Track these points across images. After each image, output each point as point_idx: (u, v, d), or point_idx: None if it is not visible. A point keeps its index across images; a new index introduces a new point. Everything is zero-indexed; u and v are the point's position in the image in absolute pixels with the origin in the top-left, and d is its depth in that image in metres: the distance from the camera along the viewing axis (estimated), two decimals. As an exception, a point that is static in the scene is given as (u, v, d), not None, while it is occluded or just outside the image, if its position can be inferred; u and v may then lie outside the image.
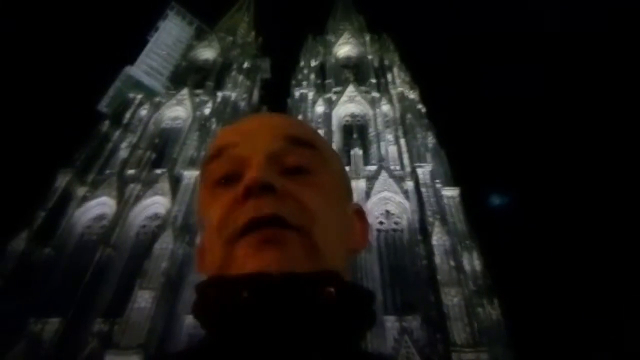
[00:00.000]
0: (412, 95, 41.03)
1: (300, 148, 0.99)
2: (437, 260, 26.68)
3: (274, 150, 0.97)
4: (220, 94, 42.42)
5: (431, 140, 36.71)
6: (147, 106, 41.87)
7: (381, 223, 30.94)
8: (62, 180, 33.10)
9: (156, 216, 32.72)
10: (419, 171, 32.12)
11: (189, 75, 45.96)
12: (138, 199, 33.15)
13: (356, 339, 0.91)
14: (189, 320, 26.02)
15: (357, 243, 1.08)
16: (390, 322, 25.43)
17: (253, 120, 1.09)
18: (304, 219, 0.91)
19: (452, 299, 24.88)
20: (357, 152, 33.99)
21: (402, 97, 39.83)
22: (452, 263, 26.62)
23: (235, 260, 0.89)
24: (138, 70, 43.08)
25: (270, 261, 0.86)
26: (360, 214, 1.13)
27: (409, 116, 37.25)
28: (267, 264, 0.85)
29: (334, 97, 40.86)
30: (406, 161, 34.21)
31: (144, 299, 25.61)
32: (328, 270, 0.88)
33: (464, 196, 32.62)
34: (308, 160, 0.99)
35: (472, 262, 28.44)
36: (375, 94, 41.12)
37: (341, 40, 50.16)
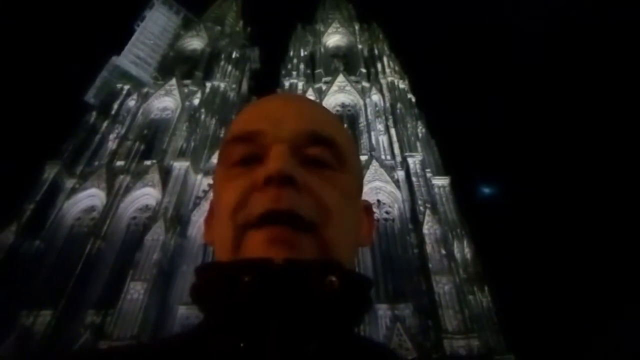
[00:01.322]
0: (402, 84, 41.03)
1: (322, 145, 1.00)
2: (428, 248, 26.89)
3: (297, 141, 0.98)
4: (208, 84, 42.10)
5: (421, 130, 36.83)
6: (134, 96, 41.33)
7: (372, 212, 31.03)
8: (50, 172, 32.68)
9: (146, 207, 32.52)
10: (410, 160, 32.25)
11: (176, 65, 45.46)
12: (128, 190, 32.88)
13: (353, 324, 0.93)
14: (182, 310, 26.06)
15: (363, 238, 1.10)
16: (382, 310, 25.64)
17: (279, 103, 1.09)
18: (319, 215, 0.93)
19: (443, 286, 25.12)
20: (348, 141, 33.98)
21: (392, 87, 39.85)
22: (443, 251, 26.85)
23: (245, 249, 0.91)
24: (125, 60, 42.55)
25: (279, 254, 0.87)
26: (368, 210, 1.15)
27: (399, 105, 37.31)
28: (275, 255, 0.86)
29: (324, 87, 40.75)
30: (396, 150, 34.29)
31: (135, 290, 25.52)
32: (329, 258, 0.90)
33: (454, 185, 32.94)
34: (329, 156, 1.00)
35: (463, 250, 28.68)
36: (365, 84, 41.09)
37: (330, 30, 49.91)
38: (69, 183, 33.36)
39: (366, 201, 1.16)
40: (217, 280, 0.88)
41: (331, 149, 1.00)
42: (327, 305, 0.85)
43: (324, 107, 1.16)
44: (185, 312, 25.81)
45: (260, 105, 1.09)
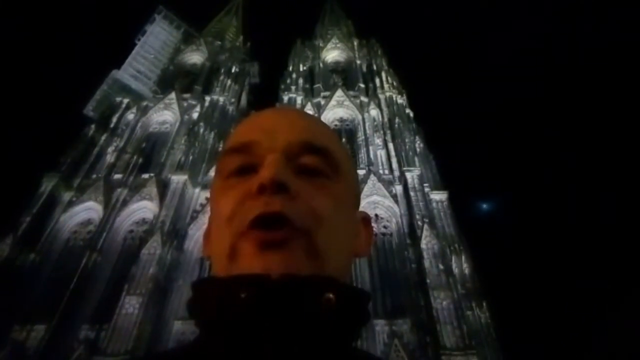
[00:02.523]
0: (400, 99, 41.24)
1: (315, 154, 1.01)
2: (426, 263, 26.77)
3: (291, 151, 1.00)
4: (208, 98, 42.29)
5: (419, 144, 36.87)
6: (134, 110, 41.51)
7: (370, 227, 30.95)
8: (48, 185, 32.64)
9: (143, 221, 32.39)
10: (408, 175, 32.27)
11: (176, 79, 45.79)
12: (125, 203, 32.80)
13: (350, 338, 0.93)
14: (177, 325, 25.84)
15: (360, 249, 1.10)
16: (380, 326, 25.43)
17: (273, 115, 1.11)
18: (311, 221, 0.93)
19: (441, 302, 24.97)
20: (346, 156, 34.07)
21: (390, 102, 40.05)
22: (441, 266, 26.71)
23: (240, 255, 0.91)
24: (125, 73, 42.75)
25: (273, 263, 0.87)
26: (366, 221, 1.16)
27: (397, 120, 37.45)
28: (270, 266, 0.86)
29: (322, 102, 40.96)
30: (394, 165, 34.34)
31: (131, 305, 25.29)
32: (326, 275, 0.90)
33: (452, 200, 32.85)
34: (323, 166, 1.01)
35: (461, 266, 28.55)
36: (364, 98, 41.31)
37: (329, 45, 50.37)
38: (66, 196, 33.29)
39: (364, 212, 1.17)
40: (214, 296, 0.88)
41: (324, 158, 1.01)
42: (324, 322, 0.85)
43: (317, 119, 1.17)
44: (180, 327, 25.58)
45: (254, 118, 1.11)
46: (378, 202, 31.84)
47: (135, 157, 36.32)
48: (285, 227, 0.90)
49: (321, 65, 46.95)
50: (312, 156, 1.00)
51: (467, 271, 28.53)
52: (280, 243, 0.89)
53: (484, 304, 27.12)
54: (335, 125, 39.58)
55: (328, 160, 1.02)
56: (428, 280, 25.94)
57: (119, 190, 33.35)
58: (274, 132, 1.02)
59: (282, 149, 0.98)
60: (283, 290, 0.83)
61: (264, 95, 56.95)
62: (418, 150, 35.97)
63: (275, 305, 0.82)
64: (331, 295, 0.85)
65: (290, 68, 45.18)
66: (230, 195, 0.97)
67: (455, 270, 27.89)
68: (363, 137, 37.67)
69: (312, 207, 0.94)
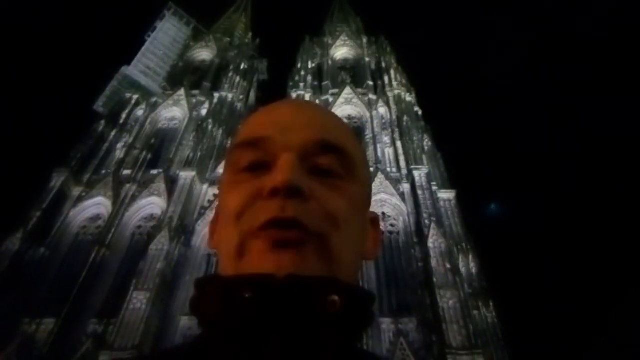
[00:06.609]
0: (409, 97, 41.07)
1: (333, 154, 0.99)
2: (433, 262, 26.67)
3: (307, 150, 0.97)
4: (216, 95, 42.39)
5: (427, 143, 36.71)
6: (143, 106, 41.78)
7: (377, 225, 30.94)
8: (57, 180, 32.91)
9: (151, 217, 32.59)
10: (415, 173, 32.16)
11: (185, 76, 45.92)
12: (133, 199, 33.01)
13: (354, 339, 0.92)
14: (184, 321, 25.98)
15: (369, 251, 1.07)
16: (386, 324, 25.41)
17: (289, 111, 1.07)
18: (325, 226, 0.91)
19: (447, 301, 24.88)
20: (354, 153, 34.04)
21: (399, 99, 39.89)
22: (448, 265, 26.61)
23: (250, 253, 0.90)
24: (135, 69, 42.98)
25: (283, 262, 0.86)
26: (375, 222, 1.13)
27: (406, 118, 37.31)
28: (280, 265, 0.85)
29: (331, 99, 40.85)
30: (402, 163, 34.21)
31: (138, 300, 25.47)
32: (331, 276, 0.88)
33: (459, 199, 32.71)
34: (338, 166, 0.99)
35: (468, 265, 28.44)
36: (372, 96, 41.19)
37: (338, 42, 50.25)
38: (76, 191, 33.56)
39: (373, 213, 1.14)
40: (217, 295, 0.87)
41: (341, 157, 0.99)
42: (328, 323, 0.84)
43: (334, 115, 1.13)
44: (187, 323, 25.71)
45: (269, 111, 1.07)
46: (385, 201, 31.78)
47: (144, 153, 36.53)
48: (299, 230, 0.88)
49: (330, 62, 46.87)
50: (327, 156, 0.98)
51: (474, 270, 28.41)
52: (293, 243, 0.87)
53: (491, 304, 27.00)
54: (343, 123, 39.39)
55: (344, 161, 0.99)
56: (435, 279, 25.84)
57: (127, 186, 33.55)
58: (290, 129, 0.99)
59: (297, 148, 0.96)
60: (288, 291, 0.82)
61: (273, 92, 56.94)
62: (426, 148, 35.81)
63: (279, 306, 0.82)
64: (336, 297, 0.84)
65: (299, 65, 45.13)
66: (241, 191, 0.95)
67: (462, 270, 27.79)
68: (371, 134, 37.57)
69: (327, 209, 0.92)
